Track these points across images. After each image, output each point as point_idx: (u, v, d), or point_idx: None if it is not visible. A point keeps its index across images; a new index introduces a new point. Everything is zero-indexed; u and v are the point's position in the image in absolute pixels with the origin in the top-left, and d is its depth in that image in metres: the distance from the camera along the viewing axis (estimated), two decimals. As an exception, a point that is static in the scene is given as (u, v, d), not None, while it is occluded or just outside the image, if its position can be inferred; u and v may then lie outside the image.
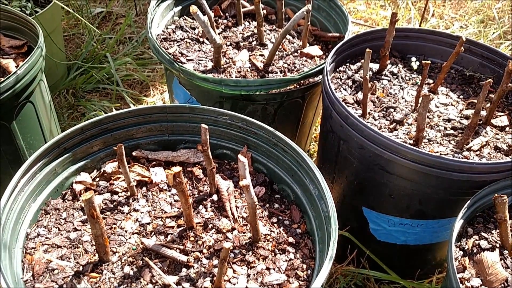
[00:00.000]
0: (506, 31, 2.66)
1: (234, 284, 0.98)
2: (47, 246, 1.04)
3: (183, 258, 1.00)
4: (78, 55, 2.35)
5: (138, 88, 2.31)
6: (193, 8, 1.39)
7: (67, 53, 2.35)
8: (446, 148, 1.28)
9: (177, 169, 0.95)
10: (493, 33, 2.62)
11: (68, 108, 2.14)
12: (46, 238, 1.06)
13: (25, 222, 1.07)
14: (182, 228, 1.09)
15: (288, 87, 1.46)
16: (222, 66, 1.55)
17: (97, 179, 1.22)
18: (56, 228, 1.09)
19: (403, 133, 1.32)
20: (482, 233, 1.12)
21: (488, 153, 1.27)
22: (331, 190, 1.47)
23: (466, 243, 1.10)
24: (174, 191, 1.20)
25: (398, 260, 1.48)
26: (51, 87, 2.09)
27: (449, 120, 1.38)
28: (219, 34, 1.73)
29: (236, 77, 1.52)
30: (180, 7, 1.80)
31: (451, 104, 1.45)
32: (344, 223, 1.47)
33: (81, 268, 1.00)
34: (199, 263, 1.01)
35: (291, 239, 1.09)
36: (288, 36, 1.72)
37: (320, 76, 1.50)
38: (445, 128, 1.35)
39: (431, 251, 1.44)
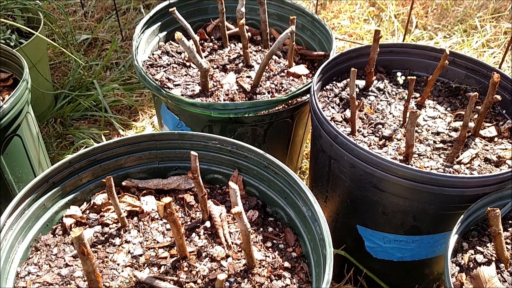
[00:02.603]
0: (489, 39, 2.70)
1: (231, 314, 0.97)
2: (38, 284, 1.02)
3: (178, 290, 0.99)
4: (65, 83, 2.34)
5: (127, 113, 2.30)
6: (178, 35, 1.40)
7: (53, 82, 2.34)
8: (437, 163, 1.28)
9: (167, 199, 0.94)
10: (476, 41, 2.66)
11: (56, 138, 2.13)
12: (37, 276, 1.04)
13: (15, 261, 1.05)
14: (175, 258, 1.07)
15: (277, 108, 1.46)
16: (209, 90, 1.55)
17: (87, 211, 1.20)
18: (47, 264, 1.07)
19: (393, 149, 1.32)
20: (478, 247, 1.12)
21: (479, 165, 1.28)
22: (324, 209, 1.47)
23: (462, 258, 1.10)
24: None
25: (396, 276, 1.47)
26: (39, 117, 2.08)
27: (438, 134, 1.39)
28: (205, 57, 1.73)
29: (224, 100, 1.52)
30: (165, 33, 1.80)
31: (439, 117, 1.46)
32: (340, 241, 1.46)
33: (73, 305, 0.98)
34: (194, 294, 1.00)
35: (286, 264, 1.08)
36: (274, 56, 1.73)
37: (308, 95, 1.51)
38: (435, 142, 1.35)
39: (428, 266, 1.43)
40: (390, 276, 1.47)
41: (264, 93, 1.55)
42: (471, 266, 1.08)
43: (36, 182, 1.10)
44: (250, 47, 1.78)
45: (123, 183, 1.26)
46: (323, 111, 1.44)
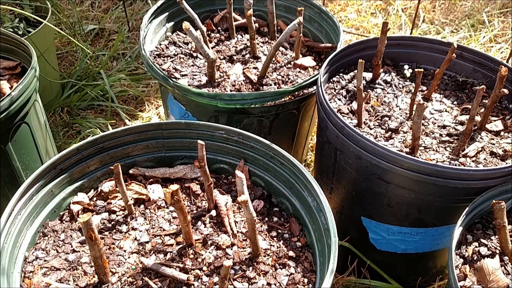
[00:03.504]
0: (497, 34, 2.69)
1: (236, 301, 0.98)
2: (45, 269, 1.03)
3: (183, 276, 1.00)
4: (72, 73, 2.35)
5: (133, 104, 2.31)
6: (186, 24, 1.40)
7: (61, 71, 2.35)
8: (443, 155, 1.28)
9: (174, 187, 0.95)
10: (484, 36, 2.64)
11: (63, 127, 2.14)
12: (45, 261, 1.05)
13: (23, 246, 1.06)
14: (181, 245, 1.08)
15: (283, 99, 1.46)
16: (216, 80, 1.56)
17: (95, 198, 1.21)
18: (54, 250, 1.08)
19: (399, 142, 1.33)
20: (482, 240, 1.12)
21: (484, 158, 1.28)
22: (329, 200, 1.47)
23: (466, 251, 1.10)
24: (172, 207, 1.20)
25: (399, 268, 1.48)
26: (46, 106, 2.09)
27: (444, 127, 1.39)
28: (212, 48, 1.73)
29: (230, 90, 1.53)
30: (172, 23, 1.81)
31: (446, 111, 1.46)
32: (344, 233, 1.46)
33: (80, 290, 0.99)
34: (200, 281, 1.01)
35: (291, 253, 1.09)
36: (281, 48, 1.73)
37: (315, 87, 1.51)
38: (441, 135, 1.35)
39: (431, 258, 1.44)
40: (393, 269, 1.47)
41: (271, 85, 1.56)
42: (475, 258, 1.08)
43: (44, 168, 1.11)
44: (257, 38, 1.78)
45: (130, 171, 1.27)
46: (330, 103, 1.44)
